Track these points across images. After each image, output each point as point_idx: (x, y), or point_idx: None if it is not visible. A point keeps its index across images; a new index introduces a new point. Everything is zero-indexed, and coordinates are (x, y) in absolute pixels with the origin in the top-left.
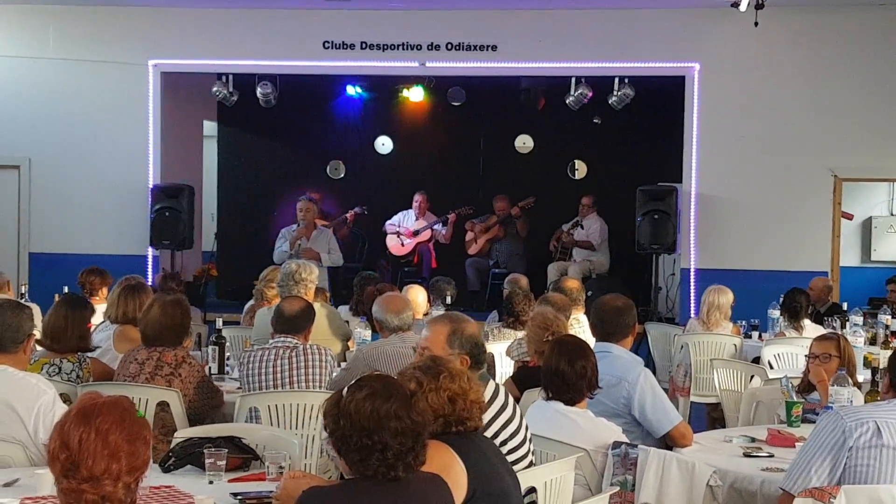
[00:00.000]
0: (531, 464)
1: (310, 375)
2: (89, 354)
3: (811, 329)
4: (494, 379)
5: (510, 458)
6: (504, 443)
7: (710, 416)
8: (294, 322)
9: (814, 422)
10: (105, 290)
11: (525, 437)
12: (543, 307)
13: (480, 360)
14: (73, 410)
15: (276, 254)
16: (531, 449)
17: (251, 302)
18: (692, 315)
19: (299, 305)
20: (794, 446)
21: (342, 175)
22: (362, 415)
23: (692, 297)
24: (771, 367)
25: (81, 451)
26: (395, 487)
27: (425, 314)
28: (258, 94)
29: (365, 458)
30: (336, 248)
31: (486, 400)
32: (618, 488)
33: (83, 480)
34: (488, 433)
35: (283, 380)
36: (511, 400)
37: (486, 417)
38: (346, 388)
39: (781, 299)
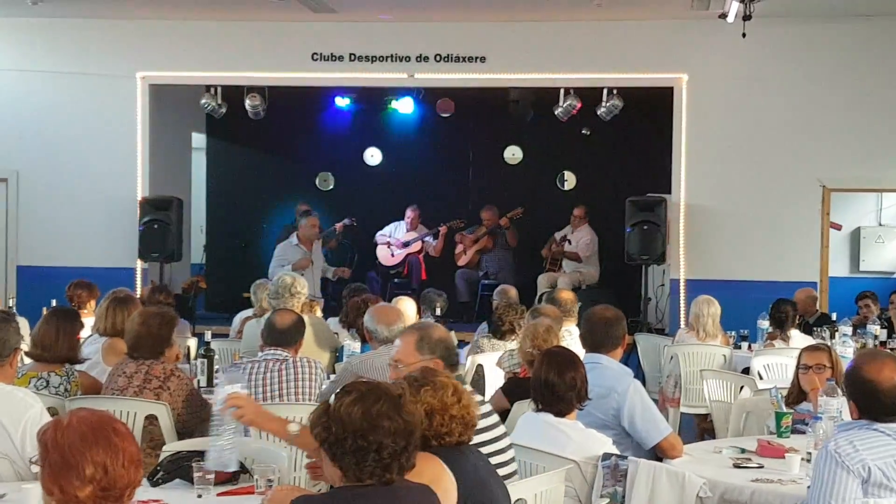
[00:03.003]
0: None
1: (300, 388)
2: (77, 367)
3: (800, 339)
4: (484, 391)
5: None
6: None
7: (699, 427)
8: (285, 335)
9: (803, 432)
10: (93, 303)
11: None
12: (541, 319)
13: (454, 363)
14: (89, 435)
15: (271, 271)
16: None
17: (247, 312)
18: (682, 326)
19: (290, 318)
20: (784, 457)
21: (331, 187)
22: (354, 417)
23: (682, 308)
24: (760, 378)
25: (115, 471)
26: (385, 496)
27: None
28: (247, 106)
29: (360, 460)
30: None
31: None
32: (608, 500)
33: (117, 499)
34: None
35: (273, 392)
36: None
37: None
38: (332, 397)
39: (770, 309)
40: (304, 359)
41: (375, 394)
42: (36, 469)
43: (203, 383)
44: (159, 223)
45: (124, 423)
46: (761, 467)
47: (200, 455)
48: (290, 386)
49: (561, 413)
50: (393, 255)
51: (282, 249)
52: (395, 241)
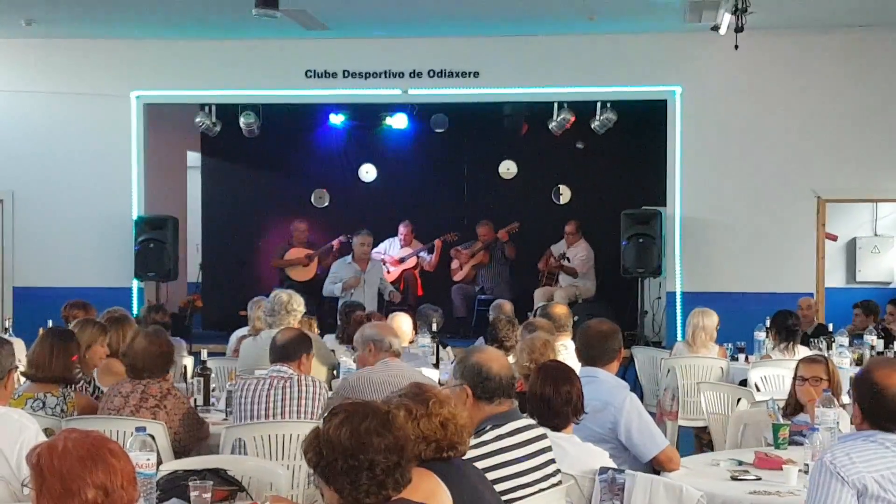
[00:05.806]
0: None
1: (302, 407)
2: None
3: (802, 351)
4: None
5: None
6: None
7: (697, 440)
8: (285, 349)
9: (801, 444)
10: None
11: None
12: (538, 333)
13: (488, 389)
14: (87, 459)
15: (326, 289)
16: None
17: (242, 330)
18: (678, 338)
19: (290, 333)
20: (782, 469)
21: (326, 204)
22: (342, 438)
23: (678, 321)
24: (758, 390)
25: (115, 492)
26: None
27: (411, 342)
28: (241, 124)
29: (354, 480)
30: (385, 279)
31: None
32: None
33: None
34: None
35: (276, 410)
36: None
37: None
38: (321, 422)
39: (769, 321)
40: (309, 378)
41: (363, 412)
42: (28, 491)
43: (199, 402)
44: (155, 242)
45: (117, 443)
46: (759, 479)
47: (197, 474)
48: (293, 404)
49: (557, 427)
50: (388, 272)
51: (336, 267)
52: (390, 257)
